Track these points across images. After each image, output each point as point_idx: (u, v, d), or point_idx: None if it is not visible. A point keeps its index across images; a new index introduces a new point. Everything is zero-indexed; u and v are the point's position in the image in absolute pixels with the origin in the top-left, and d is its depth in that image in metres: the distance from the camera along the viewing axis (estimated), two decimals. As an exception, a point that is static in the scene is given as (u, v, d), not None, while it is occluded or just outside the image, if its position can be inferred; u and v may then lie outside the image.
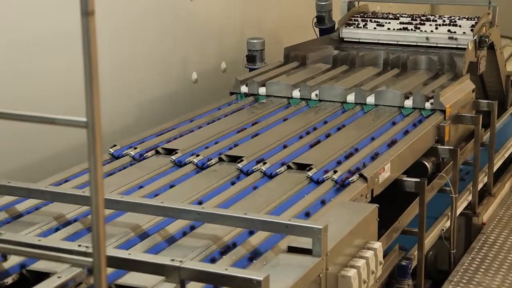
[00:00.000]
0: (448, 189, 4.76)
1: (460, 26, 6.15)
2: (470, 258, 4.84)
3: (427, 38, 6.17)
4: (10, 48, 4.36)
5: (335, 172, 3.80)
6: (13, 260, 2.75)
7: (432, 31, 6.20)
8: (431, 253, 4.86)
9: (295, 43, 6.11)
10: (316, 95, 5.14)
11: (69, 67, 4.61)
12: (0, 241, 2.61)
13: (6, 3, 4.32)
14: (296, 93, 5.20)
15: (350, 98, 5.09)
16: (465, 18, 6.34)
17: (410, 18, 6.44)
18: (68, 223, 3.20)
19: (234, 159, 3.99)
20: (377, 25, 6.35)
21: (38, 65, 4.55)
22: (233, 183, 3.72)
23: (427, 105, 4.96)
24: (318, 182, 3.74)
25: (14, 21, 4.38)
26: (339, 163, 3.97)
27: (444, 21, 6.28)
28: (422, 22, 6.31)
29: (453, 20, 6.26)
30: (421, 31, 6.21)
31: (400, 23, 6.35)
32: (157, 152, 4.14)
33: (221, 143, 4.26)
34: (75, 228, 3.13)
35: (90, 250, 2.18)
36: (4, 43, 4.32)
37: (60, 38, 4.64)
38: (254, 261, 2.90)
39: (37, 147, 4.56)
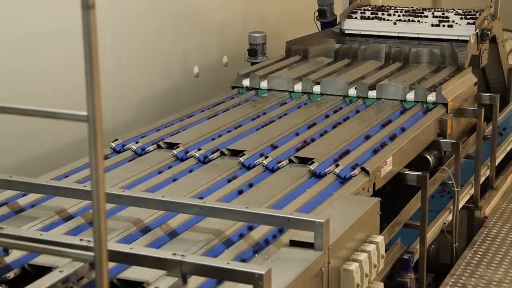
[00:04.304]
0: (450, 182, 4.75)
1: (462, 19, 6.14)
2: (472, 252, 4.84)
3: (429, 31, 6.15)
4: (10, 44, 4.35)
5: (337, 166, 3.80)
6: (15, 255, 2.75)
7: (434, 24, 6.19)
8: (433, 246, 4.85)
9: (297, 36, 6.10)
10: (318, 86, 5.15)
11: (70, 63, 4.60)
12: (1, 235, 2.61)
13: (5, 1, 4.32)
14: (297, 87, 5.19)
15: (352, 91, 5.09)
16: (467, 11, 6.33)
17: (412, 11, 6.42)
18: (69, 217, 3.20)
19: (236, 153, 3.98)
20: (379, 18, 6.34)
21: (38, 61, 4.54)
22: (234, 177, 3.72)
23: (429, 98, 4.95)
24: (320, 176, 3.74)
25: (14, 17, 4.37)
26: (341, 157, 3.97)
27: (446, 14, 6.26)
28: (424, 15, 6.29)
29: (455, 13, 6.24)
30: (424, 22, 6.20)
31: (402, 16, 6.33)
32: (159, 146, 4.14)
33: (223, 137, 4.26)
34: (77, 222, 3.13)
35: (91, 245, 2.19)
36: (4, 39, 4.31)
37: (60, 34, 4.63)
38: (256, 255, 2.90)
39: (38, 142, 4.56)
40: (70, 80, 4.60)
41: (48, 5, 4.58)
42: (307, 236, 2.82)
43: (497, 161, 5.79)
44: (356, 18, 6.39)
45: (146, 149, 4.08)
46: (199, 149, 4.02)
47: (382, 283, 3.32)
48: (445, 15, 6.24)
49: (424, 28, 6.19)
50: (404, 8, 6.51)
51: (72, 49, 4.34)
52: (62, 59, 4.67)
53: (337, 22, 6.50)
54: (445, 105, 4.94)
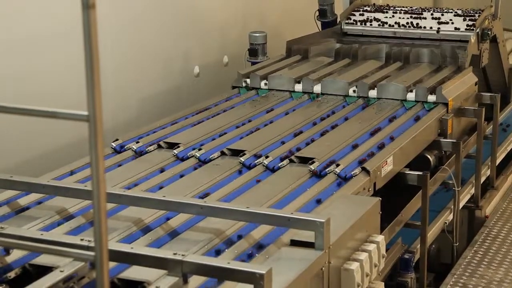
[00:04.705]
0: (450, 182, 4.75)
1: (462, 19, 6.14)
2: (472, 251, 4.84)
3: (429, 31, 6.15)
4: (10, 45, 4.35)
5: (337, 165, 3.80)
6: (16, 255, 2.75)
7: (434, 24, 6.18)
8: (433, 246, 4.85)
9: (297, 36, 6.09)
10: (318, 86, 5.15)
11: (73, 63, 4.60)
12: (2, 235, 2.61)
13: (6, 0, 4.32)
14: (298, 87, 5.19)
15: (353, 91, 5.08)
16: (466, 11, 6.33)
17: (413, 11, 6.41)
18: (70, 217, 3.20)
19: (236, 153, 3.99)
20: (377, 20, 6.34)
21: (39, 62, 4.54)
22: (235, 177, 3.72)
23: (430, 98, 4.95)
24: (321, 176, 3.74)
25: (15, 18, 4.37)
26: (341, 156, 3.97)
27: (446, 14, 6.26)
28: (423, 16, 6.28)
29: (455, 13, 6.24)
30: (423, 27, 6.19)
31: (403, 16, 6.33)
32: (159, 146, 4.14)
33: (223, 137, 4.26)
34: (78, 222, 3.13)
35: (92, 244, 2.18)
36: (4, 39, 4.31)
37: (61, 35, 4.63)
38: (257, 254, 2.90)
39: (39, 142, 4.56)
40: (72, 81, 4.60)
41: (48, 5, 4.58)
42: (307, 235, 2.82)
43: (498, 161, 5.78)
44: (355, 22, 6.36)
45: (146, 149, 4.08)
46: (199, 149, 4.02)
47: (383, 283, 3.32)
48: (445, 16, 6.22)
49: (424, 28, 6.19)
50: (403, 9, 6.50)
51: (73, 50, 4.35)
52: (64, 60, 4.66)
53: (338, 22, 6.50)
54: (446, 104, 4.94)
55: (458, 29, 6.06)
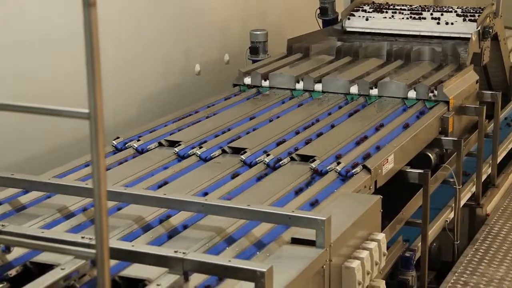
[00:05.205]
0: (451, 180, 4.75)
1: (464, 17, 6.13)
2: (473, 249, 4.84)
3: (430, 29, 6.15)
4: (10, 45, 4.35)
5: (338, 163, 3.80)
6: (17, 252, 2.75)
7: (434, 23, 6.17)
8: (434, 244, 4.85)
9: (298, 34, 6.09)
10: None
11: (71, 64, 4.59)
12: (3, 233, 2.61)
13: (6, 1, 4.32)
14: (299, 85, 5.19)
15: (354, 89, 5.08)
16: (467, 10, 6.32)
17: (413, 9, 6.41)
18: (71, 215, 3.20)
19: (237, 151, 3.99)
20: (378, 17, 6.33)
21: (39, 62, 4.54)
22: (236, 175, 3.72)
23: (431, 96, 4.95)
24: (322, 174, 3.74)
25: (15, 18, 4.37)
26: (342, 154, 3.97)
27: (447, 13, 6.25)
28: (423, 17, 6.26)
29: (456, 13, 6.23)
30: (424, 31, 6.19)
31: (403, 14, 6.32)
32: (160, 144, 4.14)
33: (224, 135, 4.26)
34: (78, 220, 3.13)
35: (93, 242, 2.18)
36: (4, 41, 4.31)
37: (61, 35, 4.63)
38: (258, 252, 2.90)
39: (40, 140, 4.56)
40: (73, 81, 4.60)
41: (50, 5, 4.58)
42: (308, 233, 2.82)
43: (499, 159, 5.78)
44: (356, 28, 6.36)
45: (147, 147, 4.08)
46: (200, 147, 4.02)
47: (384, 281, 3.32)
48: (445, 15, 6.21)
49: (425, 26, 6.17)
50: (402, 8, 6.48)
51: (74, 50, 4.34)
52: (65, 60, 4.66)
53: (339, 20, 6.50)
54: (447, 102, 4.94)
55: (460, 26, 6.04)
